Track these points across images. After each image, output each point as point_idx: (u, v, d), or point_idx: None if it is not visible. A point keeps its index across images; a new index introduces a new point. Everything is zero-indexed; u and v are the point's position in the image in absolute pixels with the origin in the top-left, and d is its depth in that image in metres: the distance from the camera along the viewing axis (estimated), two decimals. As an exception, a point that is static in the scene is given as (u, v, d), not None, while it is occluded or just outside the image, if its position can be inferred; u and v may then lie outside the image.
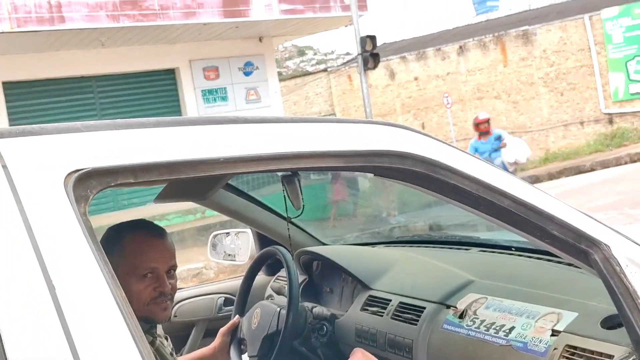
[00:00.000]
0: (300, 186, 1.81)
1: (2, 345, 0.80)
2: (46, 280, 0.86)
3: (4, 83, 10.34)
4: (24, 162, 0.93)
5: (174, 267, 1.64)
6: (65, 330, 0.84)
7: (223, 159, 1.07)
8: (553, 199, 1.34)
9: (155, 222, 1.74)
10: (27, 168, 0.93)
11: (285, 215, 2.02)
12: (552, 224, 1.30)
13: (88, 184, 0.96)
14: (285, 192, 1.83)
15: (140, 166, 1.01)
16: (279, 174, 1.86)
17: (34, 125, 1.00)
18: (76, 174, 0.94)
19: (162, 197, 2.04)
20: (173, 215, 9.79)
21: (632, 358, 1.32)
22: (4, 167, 0.91)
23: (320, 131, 1.20)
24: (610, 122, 17.49)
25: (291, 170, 1.59)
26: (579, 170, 14.87)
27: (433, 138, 1.29)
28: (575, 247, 1.33)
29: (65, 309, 0.85)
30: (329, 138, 1.20)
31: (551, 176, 14.39)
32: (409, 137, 1.25)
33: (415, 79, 19.85)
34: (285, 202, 1.83)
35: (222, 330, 2.06)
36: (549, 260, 1.90)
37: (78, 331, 0.84)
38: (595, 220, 1.36)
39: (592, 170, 14.62)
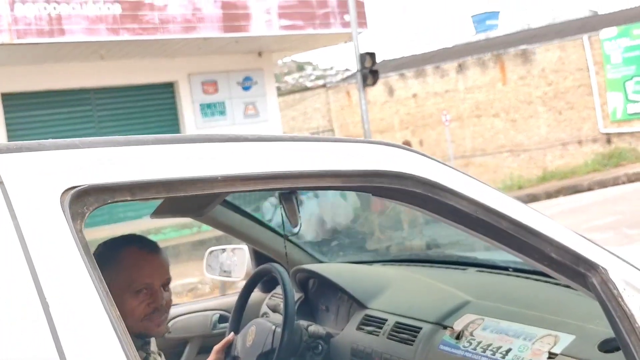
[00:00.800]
0: (298, 204, 1.81)
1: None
2: (40, 298, 0.85)
3: (2, 94, 10.37)
4: (20, 179, 0.93)
5: (168, 281, 1.63)
6: (58, 349, 0.83)
7: (221, 178, 1.06)
8: (551, 221, 1.34)
9: (151, 236, 1.73)
10: (24, 184, 0.92)
11: (282, 232, 2.02)
12: (550, 246, 1.30)
13: (85, 201, 0.95)
14: (282, 209, 1.83)
15: (137, 184, 1.01)
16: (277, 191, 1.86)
17: (31, 142, 0.99)
18: (73, 191, 0.94)
19: (158, 213, 2.04)
20: (169, 229, 9.77)
21: (629, 382, 1.31)
22: (1, 183, 0.91)
23: (319, 150, 1.20)
24: (608, 141, 17.57)
25: (289, 190, 1.59)
26: (576, 190, 14.89)
27: (432, 159, 1.29)
28: (572, 270, 1.32)
29: (59, 326, 0.84)
30: (328, 157, 1.19)
31: (548, 195, 14.41)
32: (409, 157, 1.25)
33: (414, 95, 19.94)
34: (283, 220, 1.83)
35: (216, 347, 2.04)
36: (546, 281, 1.89)
37: (71, 349, 0.84)
38: (593, 243, 1.36)
39: (590, 189, 14.65)
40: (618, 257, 1.38)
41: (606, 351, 1.44)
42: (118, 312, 0.90)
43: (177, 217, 2.04)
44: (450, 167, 1.30)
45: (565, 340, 1.53)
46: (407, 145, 1.48)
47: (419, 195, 1.24)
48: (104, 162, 1.00)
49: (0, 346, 0.80)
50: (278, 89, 16.80)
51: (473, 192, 1.27)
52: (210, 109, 12.37)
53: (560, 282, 1.77)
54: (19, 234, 0.88)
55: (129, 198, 1.00)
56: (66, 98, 10.99)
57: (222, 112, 12.47)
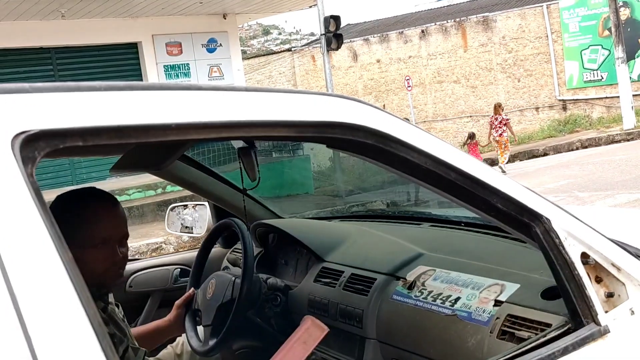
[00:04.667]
0: (256, 158, 1.83)
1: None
2: (-9, 240, 0.86)
3: (-42, 51, 10.01)
4: (-31, 122, 0.92)
5: (126, 235, 1.63)
6: (10, 290, 0.84)
7: (175, 125, 1.07)
8: (497, 174, 1.39)
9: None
10: (-26, 128, 0.92)
11: (241, 187, 2.04)
12: (496, 197, 1.35)
13: (36, 146, 0.95)
14: (241, 163, 1.84)
15: (89, 129, 1.00)
16: (237, 146, 1.88)
17: (-20, 86, 0.98)
18: (23, 135, 0.93)
19: (117, 168, 2.02)
20: (133, 190, 9.68)
21: (567, 326, 1.38)
22: (-51, 126, 0.90)
23: (273, 101, 1.22)
24: (564, 108, 17.95)
25: (243, 139, 1.60)
26: (532, 155, 15.23)
27: (383, 111, 1.32)
28: (518, 220, 1.38)
29: (10, 270, 0.85)
30: (282, 108, 1.21)
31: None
32: (360, 109, 1.28)
33: (378, 61, 19.93)
34: (242, 174, 1.85)
35: (177, 302, 2.07)
36: (495, 235, 1.96)
37: (23, 292, 0.84)
38: (537, 194, 1.41)
39: (545, 154, 15.00)
40: (560, 208, 1.44)
41: (548, 298, 1.51)
42: (71, 255, 0.91)
43: (137, 171, 2.03)
44: (400, 118, 1.33)
45: (510, 288, 1.59)
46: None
47: (371, 146, 1.27)
48: (54, 107, 1.00)
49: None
50: (244, 52, 16.59)
51: (423, 144, 1.31)
52: (175, 70, 12.19)
53: (509, 235, 1.84)
54: (-32, 178, 0.88)
55: (80, 143, 1.00)
56: (25, 57, 10.68)
57: (186, 74, 12.30)
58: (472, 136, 13.40)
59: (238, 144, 1.87)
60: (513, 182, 1.40)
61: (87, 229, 1.54)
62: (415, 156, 1.29)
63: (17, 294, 0.83)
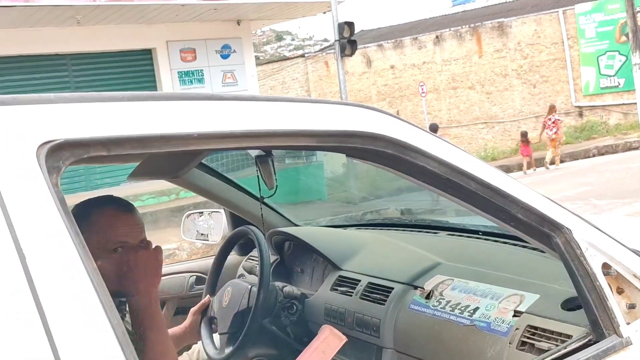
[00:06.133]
0: (273, 166, 1.83)
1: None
2: (17, 250, 0.86)
3: (-25, 58, 10.13)
4: (-4, 132, 0.93)
5: (143, 241, 1.64)
6: (35, 300, 0.84)
7: (196, 135, 1.07)
8: (518, 183, 1.38)
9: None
10: (-1, 137, 0.92)
11: (258, 195, 2.04)
12: (516, 207, 1.34)
13: (60, 156, 0.96)
14: (258, 171, 1.85)
15: (112, 139, 1.01)
16: (254, 154, 1.88)
17: (6, 96, 0.99)
18: (49, 145, 0.94)
19: (135, 175, 2.04)
20: (147, 196, 9.73)
21: (589, 338, 1.37)
22: (-24, 135, 0.91)
23: (294, 111, 1.22)
24: (580, 115, 17.83)
25: (264, 148, 1.60)
26: (550, 162, 15.12)
27: (404, 121, 1.32)
28: (538, 230, 1.37)
29: (36, 278, 0.85)
30: (303, 118, 1.21)
31: (521, 167, 14.63)
32: (381, 119, 1.28)
33: (392, 67, 19.91)
34: (259, 182, 1.85)
35: (193, 309, 2.07)
36: (514, 244, 1.95)
37: (49, 301, 0.85)
38: (558, 204, 1.41)
39: (562, 161, 14.90)
40: (582, 218, 1.43)
41: (569, 309, 1.50)
42: (95, 265, 0.92)
43: (154, 179, 2.04)
44: (420, 128, 1.33)
45: (530, 299, 1.58)
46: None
47: (391, 156, 1.27)
48: (79, 117, 1.01)
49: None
50: (257, 58, 16.65)
51: (443, 154, 1.31)
52: (189, 77, 12.25)
53: (528, 244, 1.83)
54: (-5, 187, 0.89)
55: (104, 153, 1.01)
56: (41, 63, 10.78)
57: (200, 80, 12.36)
58: (524, 134, 14.64)
59: (255, 151, 1.88)
60: (533, 191, 1.39)
61: (105, 236, 1.55)
62: (435, 166, 1.29)
63: (44, 303, 0.84)
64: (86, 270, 0.89)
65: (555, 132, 14.25)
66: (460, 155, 1.34)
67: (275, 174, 1.83)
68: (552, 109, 14.67)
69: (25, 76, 10.68)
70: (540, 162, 14.52)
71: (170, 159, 1.83)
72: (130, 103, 1.07)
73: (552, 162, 14.36)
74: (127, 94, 1.08)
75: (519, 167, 14.65)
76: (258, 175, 1.85)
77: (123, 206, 1.66)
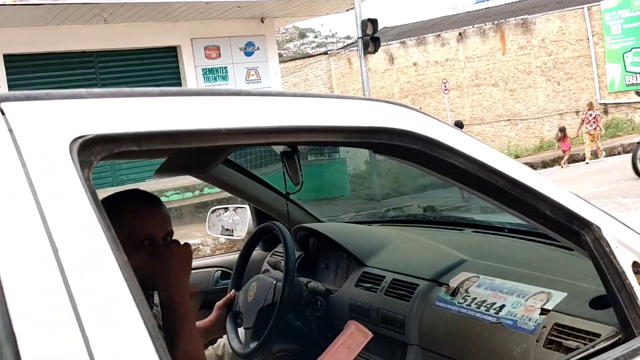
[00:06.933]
0: (299, 162, 1.83)
1: (4, 298, 0.82)
2: (50, 243, 0.87)
3: (5, 55, 10.30)
4: (29, 127, 0.94)
5: (170, 234, 1.66)
6: (68, 291, 0.85)
7: (225, 130, 1.08)
8: (546, 180, 1.37)
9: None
10: (33, 132, 0.94)
11: (284, 191, 2.05)
12: (544, 204, 1.33)
13: (92, 150, 0.97)
14: (284, 167, 1.85)
15: (143, 134, 1.02)
16: (279, 151, 1.89)
17: (39, 91, 1.01)
18: (81, 140, 0.95)
19: (162, 171, 2.06)
20: (171, 192, 9.82)
21: (618, 337, 1.35)
22: (10, 130, 0.93)
23: (321, 107, 1.22)
24: (605, 112, 17.60)
25: (291, 144, 1.60)
26: (572, 159, 14.96)
27: (431, 117, 1.31)
28: (566, 228, 1.35)
29: (68, 270, 0.87)
30: (329, 114, 1.21)
31: (545, 164, 14.49)
32: (408, 115, 1.27)
33: (414, 64, 19.81)
34: (285, 178, 1.85)
35: (218, 304, 2.08)
36: (540, 242, 1.93)
37: (80, 292, 0.86)
38: (587, 202, 1.39)
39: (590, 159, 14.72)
40: (611, 216, 1.41)
41: (597, 308, 1.48)
42: (126, 258, 0.93)
43: (181, 174, 2.06)
44: (448, 124, 1.33)
45: (557, 297, 1.56)
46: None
47: (418, 152, 1.26)
48: (109, 112, 1.02)
49: (9, 284, 0.82)
50: (280, 55, 16.68)
51: (470, 150, 1.30)
52: (213, 74, 12.33)
53: (554, 242, 1.81)
54: (28, 181, 0.90)
55: (135, 148, 1.02)
56: (68, 60, 10.93)
57: (224, 77, 12.43)
58: (562, 130, 15.28)
59: (280, 148, 1.88)
60: (562, 188, 1.38)
61: (132, 229, 1.57)
62: (462, 162, 1.28)
63: (75, 295, 0.85)
64: (117, 263, 0.90)
65: (595, 128, 14.91)
66: (487, 151, 1.33)
67: (301, 170, 1.83)
68: (591, 106, 15.35)
69: (53, 73, 10.83)
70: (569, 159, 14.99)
71: (198, 154, 1.84)
72: (160, 98, 1.08)
73: (590, 157, 14.97)
74: (157, 89, 1.09)
75: (543, 165, 14.58)
76: (284, 171, 1.85)
77: (149, 200, 1.68)
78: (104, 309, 0.87)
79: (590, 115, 15.09)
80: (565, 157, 14.94)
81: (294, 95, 1.24)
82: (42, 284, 0.84)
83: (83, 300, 0.86)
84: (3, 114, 0.94)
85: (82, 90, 1.03)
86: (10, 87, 10.37)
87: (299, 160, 1.83)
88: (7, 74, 10.41)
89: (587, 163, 14.66)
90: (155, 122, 1.04)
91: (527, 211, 1.35)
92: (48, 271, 0.85)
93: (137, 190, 1.74)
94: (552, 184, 1.37)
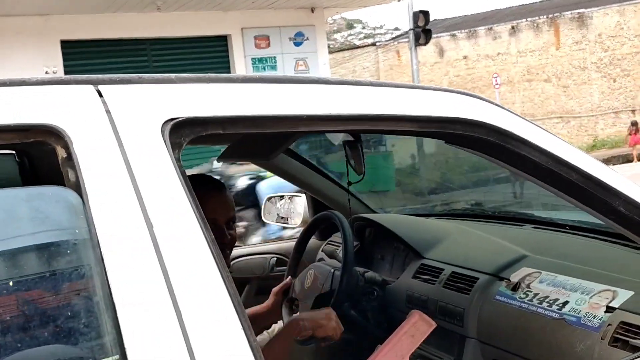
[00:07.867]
0: (362, 152, 1.85)
1: (104, 266, 0.86)
2: (145, 218, 0.92)
3: (62, 41, 10.59)
4: (125, 109, 0.99)
5: (233, 218, 1.70)
6: (161, 264, 0.90)
7: (306, 117, 1.11)
8: (620, 176, 1.35)
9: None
10: (128, 114, 0.98)
11: (344, 183, 2.07)
12: (618, 200, 1.31)
13: (182, 132, 1.01)
14: (347, 157, 1.87)
15: (228, 118, 1.06)
16: (342, 140, 1.90)
17: (132, 75, 1.05)
18: (172, 122, 1.00)
19: (225, 156, 2.10)
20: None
21: (688, 338, 1.33)
22: (108, 112, 0.97)
23: (397, 95, 1.24)
24: (663, 111, 17.04)
25: (368, 132, 1.62)
26: (626, 159, 14.56)
27: (506, 109, 1.31)
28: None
29: (162, 245, 0.91)
30: (405, 103, 1.23)
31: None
32: (483, 106, 1.28)
33: (465, 57, 19.54)
34: (347, 168, 1.87)
35: (275, 289, 2.11)
36: (603, 239, 1.90)
37: (173, 266, 0.91)
38: (663, 199, 1.36)
39: (640, 160, 14.31)
40: (686, 214, 1.38)
41: (665, 308, 1.46)
42: (212, 236, 0.97)
43: (244, 160, 2.11)
44: (522, 117, 1.32)
45: (623, 295, 1.54)
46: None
47: (492, 143, 1.27)
48: (197, 97, 1.06)
49: (108, 254, 0.87)
50: (327, 46, 16.66)
51: (544, 143, 1.29)
52: (262, 63, 12.40)
53: (618, 240, 1.79)
54: (124, 160, 0.95)
55: (220, 131, 1.06)
56: (123, 48, 11.15)
57: (273, 67, 12.49)
58: (635, 123, 15.24)
59: (342, 137, 1.90)
60: (636, 185, 1.36)
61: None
62: (536, 155, 1.28)
63: (168, 267, 0.90)
64: (206, 240, 0.94)
65: None
66: (561, 145, 1.32)
67: (364, 160, 1.84)
68: None
69: (107, 60, 11.07)
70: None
71: (263, 141, 1.88)
72: (243, 84, 1.11)
73: None
74: (240, 75, 1.13)
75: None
76: (346, 161, 1.87)
77: (214, 184, 1.73)
78: (196, 283, 0.91)
79: None
80: (636, 153, 14.89)
81: (371, 84, 1.25)
82: (138, 260, 0.89)
83: (176, 273, 0.90)
84: (101, 95, 0.98)
85: (172, 75, 1.07)
86: (67, 72, 10.65)
87: (362, 149, 1.85)
88: (64, 60, 10.70)
89: None
90: (239, 107, 1.08)
91: (599, 207, 1.34)
92: (143, 245, 0.90)
93: (201, 175, 1.79)
94: (627, 180, 1.35)
